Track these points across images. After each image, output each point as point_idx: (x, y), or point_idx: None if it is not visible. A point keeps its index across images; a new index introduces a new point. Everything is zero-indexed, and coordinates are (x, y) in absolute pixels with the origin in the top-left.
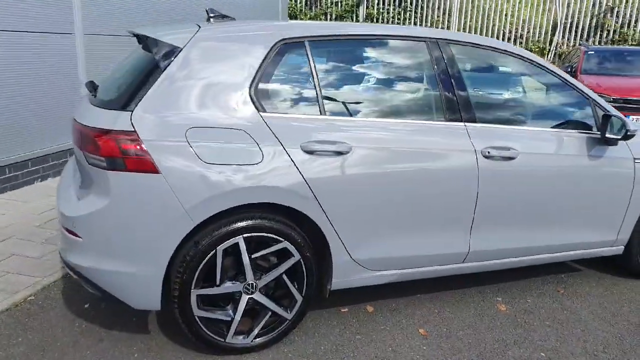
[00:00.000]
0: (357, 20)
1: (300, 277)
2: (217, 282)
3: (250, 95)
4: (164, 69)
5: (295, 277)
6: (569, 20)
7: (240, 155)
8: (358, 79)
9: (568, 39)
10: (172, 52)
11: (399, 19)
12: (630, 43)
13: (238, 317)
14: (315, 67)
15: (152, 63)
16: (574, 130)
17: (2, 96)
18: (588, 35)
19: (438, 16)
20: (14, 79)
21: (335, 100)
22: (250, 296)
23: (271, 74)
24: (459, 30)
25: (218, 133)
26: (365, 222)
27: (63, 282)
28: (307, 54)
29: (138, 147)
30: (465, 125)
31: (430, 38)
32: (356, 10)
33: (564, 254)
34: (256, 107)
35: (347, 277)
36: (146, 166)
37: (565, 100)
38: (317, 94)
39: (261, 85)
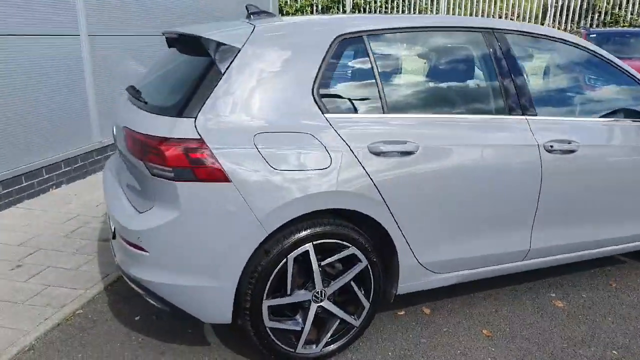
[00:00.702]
0: (344, 11)
1: (368, 283)
2: (288, 292)
3: (313, 96)
4: (224, 72)
5: (362, 283)
6: (560, 3)
7: (309, 160)
8: (417, 73)
9: (559, 23)
10: (230, 52)
11: (386, 7)
12: (622, 25)
13: (308, 326)
14: (375, 62)
15: (206, 65)
16: (633, 119)
17: (11, 103)
18: (579, 18)
19: (426, 3)
20: (23, 84)
21: (396, 97)
22: (320, 304)
23: (332, 72)
24: None
25: (285, 138)
26: (432, 223)
27: (107, 294)
28: (366, 50)
29: (207, 155)
30: (526, 119)
31: (487, 28)
32: (343, 0)
33: (622, 247)
34: (320, 109)
35: (413, 280)
36: (216, 175)
37: (621, 89)
38: (378, 91)
39: (323, 85)
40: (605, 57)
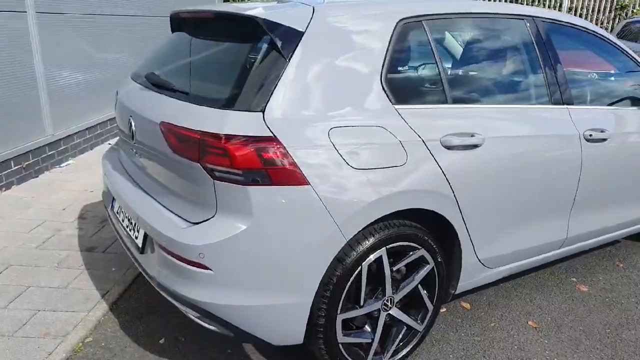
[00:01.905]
0: None
1: (432, 285)
2: (361, 303)
3: (382, 86)
4: (288, 58)
5: (427, 285)
6: None
7: (386, 156)
8: (474, 62)
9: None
10: (293, 36)
11: None
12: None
13: (377, 337)
14: (436, 50)
15: (265, 51)
16: None
17: None
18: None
19: None
20: None
21: (457, 86)
22: (388, 312)
23: (397, 60)
24: None
25: (360, 132)
26: (492, 218)
27: (115, 315)
28: (426, 36)
29: (282, 155)
30: (567, 109)
31: (530, 16)
32: None
33: (636, 227)
34: (389, 99)
35: (472, 278)
36: (294, 178)
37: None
38: (441, 80)
39: (390, 74)
40: (625, 50)
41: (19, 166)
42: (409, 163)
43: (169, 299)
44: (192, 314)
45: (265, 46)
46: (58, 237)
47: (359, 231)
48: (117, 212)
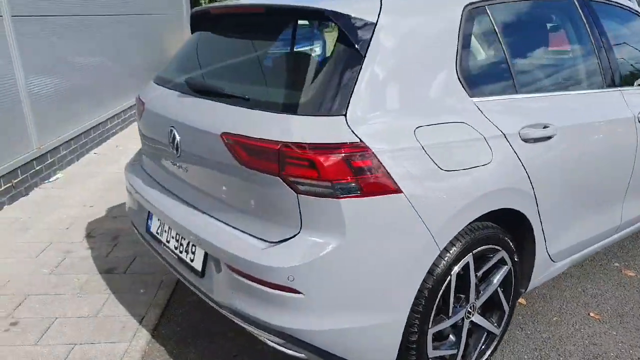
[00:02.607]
0: None
1: (508, 286)
2: (450, 313)
3: (458, 78)
4: (364, 53)
5: (503, 287)
6: None
7: (472, 154)
8: (536, 47)
9: None
10: (366, 29)
11: None
12: None
13: (462, 347)
14: (502, 37)
15: (336, 46)
16: None
17: None
18: None
19: None
20: None
21: (523, 74)
22: (471, 319)
23: (468, 49)
24: None
25: (444, 130)
26: (562, 210)
27: (160, 342)
28: (491, 22)
29: (372, 162)
30: (620, 91)
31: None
32: None
33: None
34: (466, 92)
35: (541, 274)
36: (385, 186)
37: None
38: (509, 69)
39: (464, 64)
40: None
41: (9, 184)
42: (494, 160)
43: (246, 326)
44: (274, 341)
45: (336, 42)
46: (70, 260)
47: (452, 239)
48: (158, 233)
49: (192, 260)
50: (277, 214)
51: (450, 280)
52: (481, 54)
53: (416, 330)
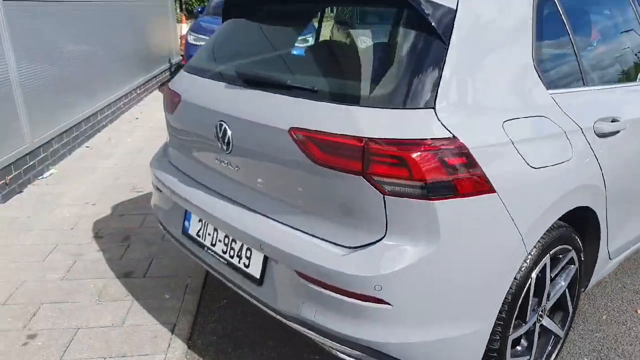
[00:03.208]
0: None
1: (573, 286)
2: (527, 318)
3: (535, 68)
4: (447, 42)
5: (570, 288)
6: None
7: (555, 150)
8: (600, 35)
9: None
10: (447, 16)
11: None
12: None
13: (534, 351)
14: (569, 24)
15: (415, 34)
16: None
17: None
18: None
19: None
20: None
21: (590, 65)
22: (541, 323)
23: (541, 38)
24: None
25: (529, 125)
26: (625, 206)
27: (198, 353)
28: (559, 10)
29: (468, 159)
30: None
31: None
32: None
33: None
34: (543, 83)
35: (600, 272)
36: (480, 185)
37: None
38: (576, 59)
39: (538, 54)
40: None
41: (2, 181)
42: (574, 156)
43: (315, 337)
44: (350, 354)
45: (416, 29)
46: (83, 264)
47: (538, 240)
48: (199, 235)
49: (246, 266)
50: (357, 216)
51: (530, 284)
52: (553, 43)
53: (499, 337)
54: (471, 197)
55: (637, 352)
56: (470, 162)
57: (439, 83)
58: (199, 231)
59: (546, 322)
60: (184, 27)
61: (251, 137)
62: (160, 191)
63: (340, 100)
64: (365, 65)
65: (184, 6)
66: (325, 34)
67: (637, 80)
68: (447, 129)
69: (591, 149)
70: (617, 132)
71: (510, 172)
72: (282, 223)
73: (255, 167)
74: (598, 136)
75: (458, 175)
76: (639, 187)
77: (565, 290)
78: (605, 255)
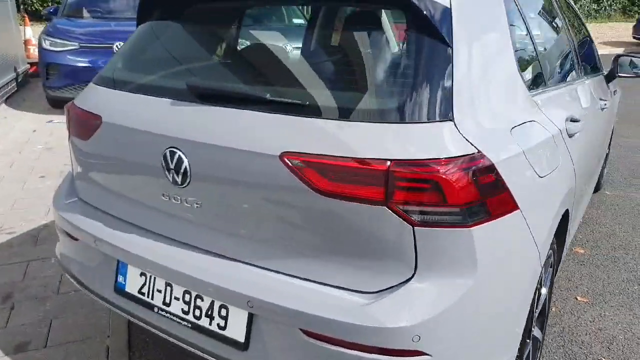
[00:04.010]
0: None
1: (551, 287)
2: (533, 333)
3: (518, 70)
4: (450, 43)
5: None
6: None
7: (549, 156)
8: (549, 37)
9: None
10: (444, 15)
11: None
12: None
13: None
14: (527, 21)
15: (418, 37)
16: None
17: None
18: None
19: None
20: None
21: (549, 64)
22: (533, 334)
23: (515, 36)
24: None
25: (528, 131)
26: (581, 202)
27: None
28: (518, 8)
29: (495, 176)
30: (588, 80)
31: None
32: None
33: None
34: (525, 85)
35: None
36: (507, 203)
37: None
38: (537, 58)
39: (516, 53)
40: None
41: None
42: (561, 159)
43: None
44: None
45: (416, 30)
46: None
47: (546, 254)
48: (143, 293)
49: (222, 328)
50: (378, 255)
51: (537, 300)
52: (522, 43)
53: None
54: (501, 218)
55: (594, 341)
56: (497, 178)
57: (452, 90)
58: (141, 288)
59: (536, 332)
60: (29, 31)
61: (220, 166)
62: (75, 239)
63: (344, 116)
64: (366, 73)
65: (21, 6)
66: (309, 36)
67: (572, 80)
68: (471, 144)
69: (568, 150)
70: (577, 132)
71: (526, 185)
72: (274, 271)
73: (227, 204)
74: (569, 137)
75: (489, 195)
76: (588, 180)
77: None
78: (567, 249)
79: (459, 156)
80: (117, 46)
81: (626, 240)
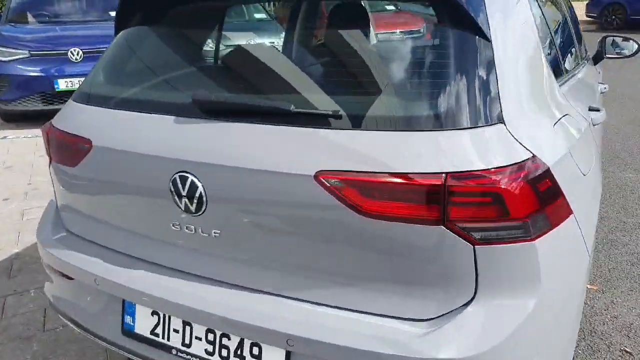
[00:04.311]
0: None
1: None
2: None
3: (547, 59)
4: (489, 36)
5: None
6: None
7: (586, 150)
8: (560, 26)
9: None
10: (478, 4)
11: None
12: None
13: None
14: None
15: (454, 31)
16: None
17: None
18: None
19: None
20: None
21: (561, 54)
22: None
23: (541, 24)
24: None
25: (567, 126)
26: None
27: None
28: None
29: (552, 181)
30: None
31: None
32: None
33: None
34: (554, 76)
35: None
36: (564, 209)
37: None
38: (555, 47)
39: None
40: None
41: None
42: (594, 153)
43: None
44: None
45: (452, 24)
46: None
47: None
48: (157, 334)
49: None
50: (433, 278)
51: None
52: (542, 30)
53: None
54: (559, 226)
55: (612, 330)
56: (553, 183)
57: (498, 87)
58: (154, 328)
59: None
60: None
61: (241, 190)
62: (69, 278)
63: (383, 126)
64: (404, 76)
65: None
66: (318, 35)
67: (582, 64)
68: (525, 147)
69: (595, 142)
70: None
71: (575, 186)
72: (312, 302)
73: (251, 231)
74: (594, 127)
75: (548, 203)
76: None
77: None
78: None
79: (516, 163)
80: (71, 52)
81: (620, 221)
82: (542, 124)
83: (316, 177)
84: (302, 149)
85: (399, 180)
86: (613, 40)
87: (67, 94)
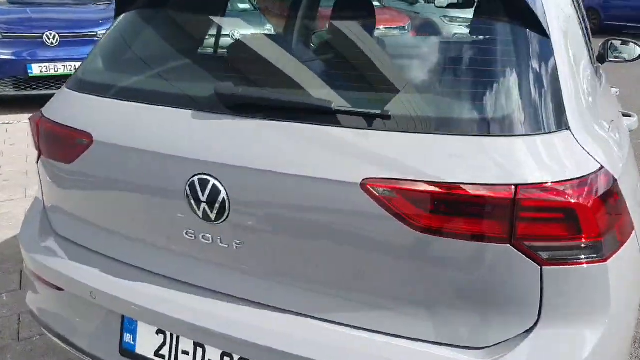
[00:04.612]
0: None
1: None
2: None
3: (593, 58)
4: (548, 32)
5: None
6: None
7: (634, 158)
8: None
9: None
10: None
11: None
12: None
13: None
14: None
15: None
16: None
17: None
18: None
19: None
20: None
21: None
22: None
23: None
24: None
25: (618, 132)
26: None
27: None
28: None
29: (619, 194)
30: None
31: None
32: None
33: None
34: (597, 75)
35: None
36: (629, 225)
37: None
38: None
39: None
40: None
41: None
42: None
43: None
44: None
45: (510, 21)
46: None
47: None
48: (162, 355)
49: None
50: (491, 301)
51: None
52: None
53: None
54: (625, 244)
55: None
56: (620, 197)
57: (561, 89)
58: (159, 349)
59: None
60: None
61: (273, 198)
62: (59, 289)
63: (440, 128)
64: (463, 74)
65: None
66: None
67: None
68: (592, 157)
69: (632, 149)
70: None
71: (634, 197)
72: (353, 327)
73: (281, 244)
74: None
75: (617, 218)
76: None
77: None
78: None
79: (588, 175)
80: (47, 36)
81: None
82: (599, 129)
83: (363, 185)
84: (345, 152)
85: (459, 192)
86: (611, 43)
87: (41, 80)
